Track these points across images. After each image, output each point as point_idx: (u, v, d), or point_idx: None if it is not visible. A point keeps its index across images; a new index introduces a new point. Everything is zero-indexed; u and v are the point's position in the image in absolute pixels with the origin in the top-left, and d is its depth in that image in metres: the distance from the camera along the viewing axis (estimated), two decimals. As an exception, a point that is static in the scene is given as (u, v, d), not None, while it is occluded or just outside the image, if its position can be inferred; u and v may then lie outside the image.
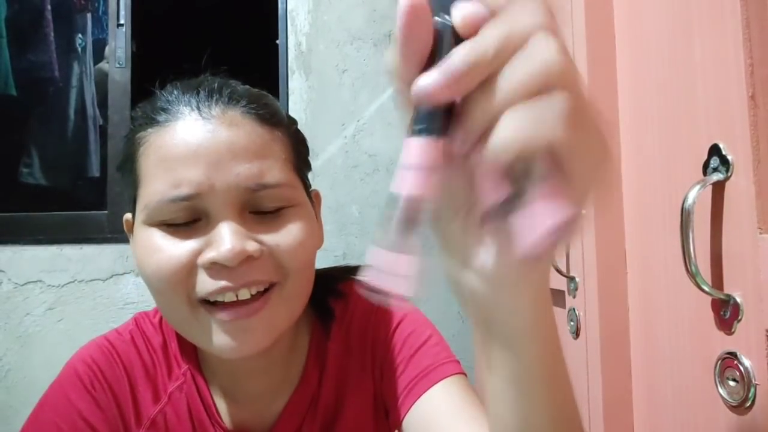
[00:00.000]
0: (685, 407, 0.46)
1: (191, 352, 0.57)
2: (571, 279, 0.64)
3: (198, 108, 0.47)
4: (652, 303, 0.52)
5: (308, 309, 0.59)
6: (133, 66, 1.76)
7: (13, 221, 1.73)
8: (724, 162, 0.39)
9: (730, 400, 0.39)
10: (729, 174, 0.39)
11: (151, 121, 0.48)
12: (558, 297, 0.70)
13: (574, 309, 0.64)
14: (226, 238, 0.44)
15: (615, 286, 0.57)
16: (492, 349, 0.33)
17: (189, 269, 0.45)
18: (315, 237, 0.52)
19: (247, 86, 0.52)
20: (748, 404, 0.37)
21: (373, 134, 1.64)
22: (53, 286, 1.58)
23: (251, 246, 0.45)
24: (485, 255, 0.28)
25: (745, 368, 0.37)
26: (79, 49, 1.93)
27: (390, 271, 0.23)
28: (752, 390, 0.37)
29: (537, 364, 0.32)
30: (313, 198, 0.56)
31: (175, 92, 0.49)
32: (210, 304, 0.46)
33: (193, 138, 0.46)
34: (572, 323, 0.64)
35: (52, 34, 1.92)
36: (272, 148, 0.49)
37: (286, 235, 0.48)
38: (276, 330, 0.49)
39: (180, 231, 0.46)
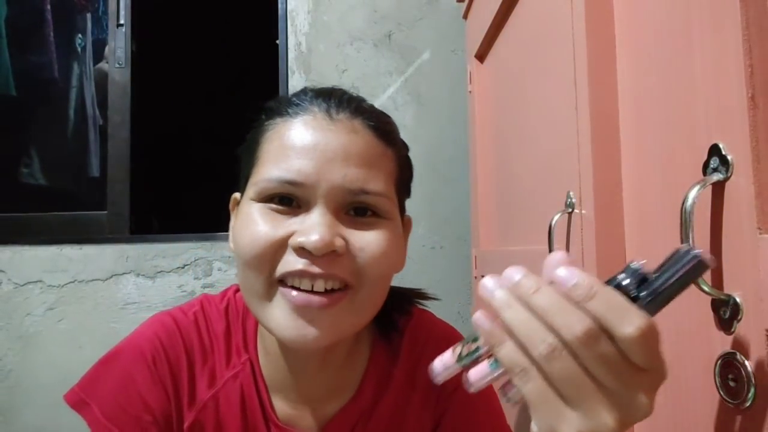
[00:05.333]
0: (684, 407, 0.46)
1: (252, 345, 0.59)
2: (571, 279, 0.64)
3: (327, 110, 0.52)
4: (652, 303, 0.52)
5: (372, 323, 0.60)
6: (133, 66, 1.76)
7: (13, 221, 1.73)
8: (724, 162, 0.39)
9: (729, 400, 0.39)
10: (729, 174, 0.39)
11: (281, 113, 0.53)
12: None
13: (574, 309, 0.64)
14: (317, 228, 0.47)
15: (615, 286, 0.57)
16: None
17: (278, 247, 0.49)
18: (398, 255, 0.54)
19: (373, 105, 0.57)
20: (747, 404, 0.37)
21: (373, 134, 1.64)
22: (53, 286, 1.58)
23: (339, 241, 0.48)
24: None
25: (745, 368, 0.37)
26: (79, 49, 1.93)
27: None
28: (752, 390, 0.37)
29: None
30: (405, 222, 0.59)
31: (310, 94, 0.54)
32: (286, 285, 0.49)
33: (315, 133, 0.51)
34: (572, 323, 0.64)
35: (52, 34, 1.92)
36: (382, 161, 0.53)
37: (371, 241, 0.50)
38: (338, 332, 0.50)
39: (280, 212, 0.50)
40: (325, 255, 0.47)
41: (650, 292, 0.31)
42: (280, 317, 0.49)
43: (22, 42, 1.91)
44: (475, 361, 0.35)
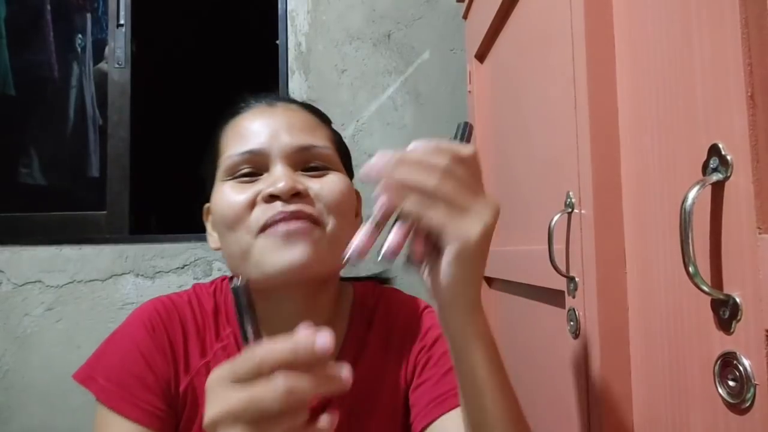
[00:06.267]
0: (684, 407, 0.46)
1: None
2: (571, 279, 0.64)
3: (267, 103, 0.65)
4: (652, 303, 0.52)
5: (350, 295, 0.69)
6: (133, 66, 1.76)
7: (13, 221, 1.73)
8: (724, 162, 0.39)
9: (729, 399, 0.39)
10: (728, 174, 0.39)
11: (232, 114, 0.65)
12: (557, 297, 0.70)
13: (573, 309, 0.64)
14: (281, 177, 0.57)
15: (614, 286, 0.57)
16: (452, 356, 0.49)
17: (251, 204, 0.58)
18: (350, 202, 0.64)
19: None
20: (747, 404, 0.37)
21: (373, 134, 1.64)
22: (52, 286, 1.58)
23: (300, 185, 0.58)
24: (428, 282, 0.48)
25: (745, 368, 0.37)
26: (79, 49, 1.93)
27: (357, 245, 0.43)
28: (751, 390, 0.37)
29: (477, 367, 0.46)
30: (356, 194, 0.69)
31: (253, 97, 0.66)
32: (265, 230, 0.57)
33: (261, 116, 0.63)
34: (572, 323, 0.64)
35: (52, 34, 1.92)
36: (319, 129, 0.65)
37: (326, 183, 0.61)
38: (320, 257, 0.57)
39: (246, 181, 0.60)
40: (292, 197, 0.57)
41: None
42: (269, 252, 0.56)
43: (22, 42, 1.90)
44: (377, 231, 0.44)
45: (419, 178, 0.42)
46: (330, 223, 0.59)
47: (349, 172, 0.68)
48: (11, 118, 1.89)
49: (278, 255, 0.56)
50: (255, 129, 0.61)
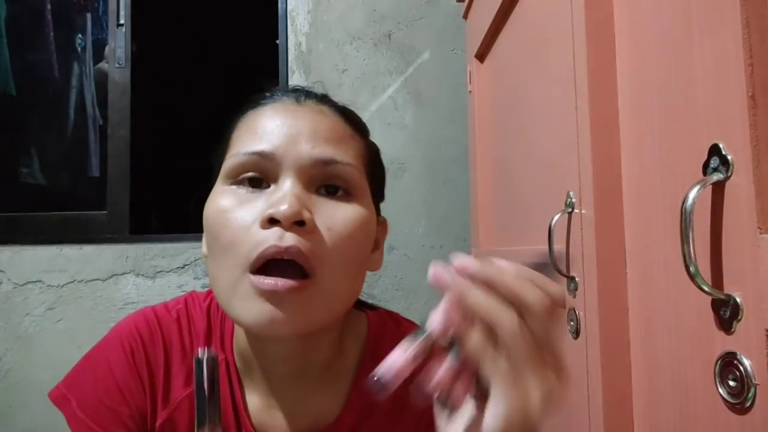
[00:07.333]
0: (684, 407, 0.46)
1: (229, 345, 0.58)
2: (571, 279, 0.64)
3: (295, 98, 0.55)
4: (652, 303, 0.52)
5: (362, 331, 0.59)
6: (133, 66, 1.76)
7: (13, 221, 1.73)
8: (724, 162, 0.39)
9: (729, 399, 0.39)
10: (729, 174, 0.39)
11: (252, 106, 0.55)
12: (558, 297, 0.70)
13: (574, 309, 0.64)
14: (286, 198, 0.47)
15: (615, 286, 0.57)
16: None
17: (250, 227, 0.48)
18: (367, 242, 0.53)
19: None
20: (747, 404, 0.37)
21: (373, 134, 1.64)
22: (53, 286, 1.58)
23: (306, 213, 0.47)
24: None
25: (745, 368, 0.37)
26: (79, 49, 1.93)
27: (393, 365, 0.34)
28: (752, 390, 0.37)
29: None
30: (380, 223, 0.58)
31: (281, 90, 0.57)
32: (255, 273, 0.48)
33: (283, 114, 0.52)
34: (572, 323, 0.64)
35: (52, 34, 1.92)
36: (349, 141, 0.54)
37: (339, 220, 0.50)
38: (307, 319, 0.48)
39: (251, 193, 0.50)
40: (292, 226, 0.46)
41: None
42: (249, 305, 0.47)
43: (22, 42, 1.91)
44: (425, 359, 0.36)
45: (499, 314, 0.34)
46: (326, 273, 0.48)
47: (379, 195, 0.58)
48: (12, 118, 1.89)
49: (258, 311, 0.47)
50: (271, 128, 0.51)
